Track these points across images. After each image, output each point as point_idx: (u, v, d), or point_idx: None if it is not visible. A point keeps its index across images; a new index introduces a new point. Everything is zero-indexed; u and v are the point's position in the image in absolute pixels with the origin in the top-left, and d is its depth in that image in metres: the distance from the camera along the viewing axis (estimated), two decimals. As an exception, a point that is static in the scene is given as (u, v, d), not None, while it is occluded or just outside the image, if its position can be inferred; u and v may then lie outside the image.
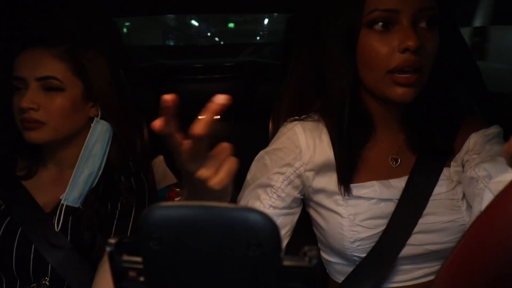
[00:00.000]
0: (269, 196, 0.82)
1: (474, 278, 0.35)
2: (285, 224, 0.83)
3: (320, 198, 0.83)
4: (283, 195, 0.82)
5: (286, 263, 0.29)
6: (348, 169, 0.80)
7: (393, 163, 0.83)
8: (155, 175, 1.18)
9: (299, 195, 0.84)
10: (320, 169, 0.82)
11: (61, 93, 0.89)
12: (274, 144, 0.87)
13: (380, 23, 0.73)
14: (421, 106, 0.81)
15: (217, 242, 0.29)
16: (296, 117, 0.89)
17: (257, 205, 0.81)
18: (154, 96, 1.83)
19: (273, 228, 0.29)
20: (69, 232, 0.89)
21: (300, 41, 1.46)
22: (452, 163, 0.82)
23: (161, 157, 1.34)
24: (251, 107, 1.87)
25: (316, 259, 0.30)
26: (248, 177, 0.87)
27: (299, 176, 0.82)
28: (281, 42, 1.85)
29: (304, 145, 0.83)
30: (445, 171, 0.82)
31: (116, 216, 0.92)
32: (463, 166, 0.80)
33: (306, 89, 1.03)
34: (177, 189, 1.46)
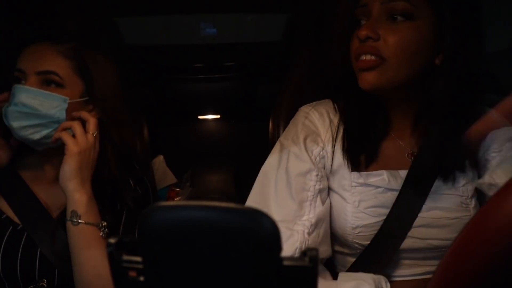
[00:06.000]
0: (314, 180, 0.80)
1: (471, 274, 0.35)
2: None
3: (331, 181, 0.84)
4: (323, 173, 0.82)
5: (286, 263, 0.29)
6: (356, 159, 0.81)
7: (410, 159, 0.84)
8: (155, 175, 1.18)
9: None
10: (333, 152, 0.83)
11: (60, 89, 0.87)
12: (292, 131, 0.87)
13: (359, 18, 0.79)
14: (435, 107, 0.80)
15: (217, 242, 0.29)
16: (308, 104, 0.91)
17: (305, 195, 0.78)
18: (154, 96, 1.83)
19: (273, 228, 0.29)
20: None
21: (300, 41, 1.46)
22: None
23: (161, 157, 1.35)
24: (251, 107, 1.87)
25: (316, 259, 0.30)
26: (270, 169, 0.82)
27: (323, 157, 0.83)
28: (281, 42, 1.85)
29: (321, 127, 0.85)
30: None
31: (122, 221, 0.92)
32: (481, 166, 0.80)
33: (306, 88, 1.03)
34: (177, 189, 1.46)
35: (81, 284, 0.83)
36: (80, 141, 0.85)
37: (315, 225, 0.77)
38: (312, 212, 0.77)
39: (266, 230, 0.29)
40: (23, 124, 0.85)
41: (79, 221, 0.82)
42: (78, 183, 0.84)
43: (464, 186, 0.80)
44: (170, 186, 1.40)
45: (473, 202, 0.79)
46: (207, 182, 1.87)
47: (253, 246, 0.29)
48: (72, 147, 0.84)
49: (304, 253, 0.30)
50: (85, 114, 0.89)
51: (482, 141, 0.80)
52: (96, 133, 0.88)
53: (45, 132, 0.87)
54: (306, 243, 0.74)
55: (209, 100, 1.88)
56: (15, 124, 0.85)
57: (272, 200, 0.78)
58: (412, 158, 0.83)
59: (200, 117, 1.96)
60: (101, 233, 0.84)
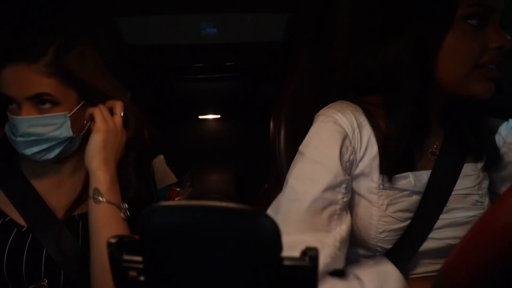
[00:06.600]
0: (343, 193, 0.75)
1: (478, 271, 0.36)
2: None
3: (355, 184, 0.80)
4: (349, 183, 0.77)
5: (286, 263, 0.29)
6: (393, 161, 0.77)
7: (432, 157, 0.82)
8: (155, 175, 1.18)
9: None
10: (363, 156, 0.79)
11: (56, 107, 0.85)
12: (317, 139, 0.81)
13: (476, 19, 0.73)
14: (459, 105, 0.81)
15: (217, 242, 0.29)
16: (327, 109, 0.85)
17: (333, 209, 0.73)
18: (154, 96, 1.83)
19: (273, 228, 0.29)
20: (80, 237, 0.89)
21: (300, 41, 1.46)
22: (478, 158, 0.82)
23: (161, 157, 1.35)
24: (251, 107, 1.87)
25: (316, 259, 0.30)
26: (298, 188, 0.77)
27: (352, 162, 0.79)
28: (282, 42, 1.85)
29: (349, 132, 0.79)
30: (472, 166, 0.81)
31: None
32: (502, 159, 0.81)
33: (307, 88, 1.03)
34: (177, 189, 1.46)
35: (97, 274, 0.82)
36: (107, 121, 0.87)
37: (345, 239, 0.73)
38: (340, 226, 0.73)
39: (266, 230, 0.29)
40: (35, 150, 0.86)
41: (101, 199, 0.83)
42: (101, 161, 0.85)
43: (479, 184, 0.80)
44: (170, 186, 1.40)
45: (487, 200, 0.79)
46: (207, 182, 1.87)
47: (253, 246, 0.29)
48: (100, 125, 0.85)
49: (304, 252, 0.30)
50: (110, 102, 0.90)
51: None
52: (123, 113, 0.89)
53: (57, 150, 0.88)
54: (335, 258, 0.70)
55: (209, 100, 1.88)
56: (27, 152, 0.86)
57: (302, 211, 0.72)
58: (434, 156, 0.82)
59: (200, 117, 1.96)
60: (122, 215, 0.84)
